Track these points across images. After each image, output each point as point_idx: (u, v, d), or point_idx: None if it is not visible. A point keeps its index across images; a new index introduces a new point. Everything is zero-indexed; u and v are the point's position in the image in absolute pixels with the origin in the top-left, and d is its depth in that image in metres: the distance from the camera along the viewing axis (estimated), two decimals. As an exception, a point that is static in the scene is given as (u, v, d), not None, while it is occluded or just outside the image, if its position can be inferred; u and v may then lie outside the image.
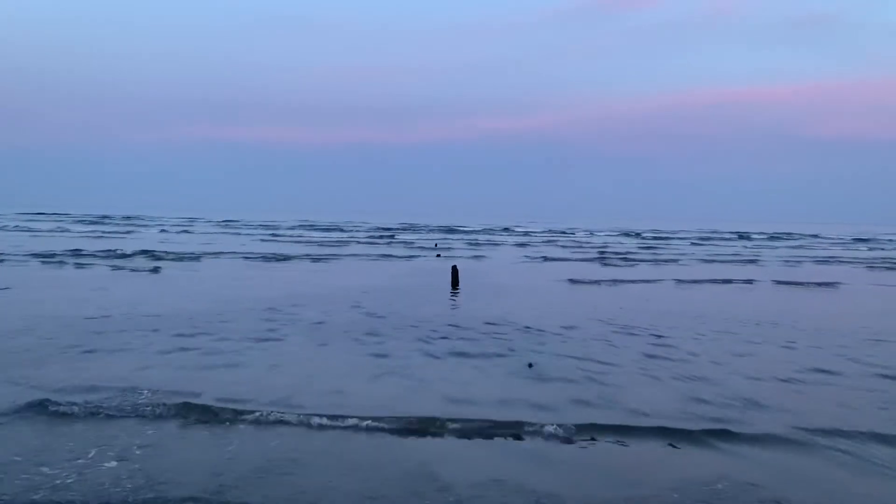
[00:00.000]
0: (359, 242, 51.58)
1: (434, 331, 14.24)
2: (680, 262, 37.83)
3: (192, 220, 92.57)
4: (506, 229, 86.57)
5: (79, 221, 77.64)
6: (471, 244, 52.92)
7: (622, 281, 27.02)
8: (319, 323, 14.97)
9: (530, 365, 10.93)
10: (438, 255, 38.43)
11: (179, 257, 32.41)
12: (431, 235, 66.62)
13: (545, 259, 38.28)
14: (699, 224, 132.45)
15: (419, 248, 46.93)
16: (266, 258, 33.61)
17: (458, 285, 22.80)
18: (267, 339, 12.93)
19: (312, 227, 78.18)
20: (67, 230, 58.44)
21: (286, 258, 34.02)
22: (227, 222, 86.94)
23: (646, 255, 44.49)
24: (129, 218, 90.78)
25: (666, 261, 38.99)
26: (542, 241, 59.68)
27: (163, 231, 62.61)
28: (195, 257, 32.82)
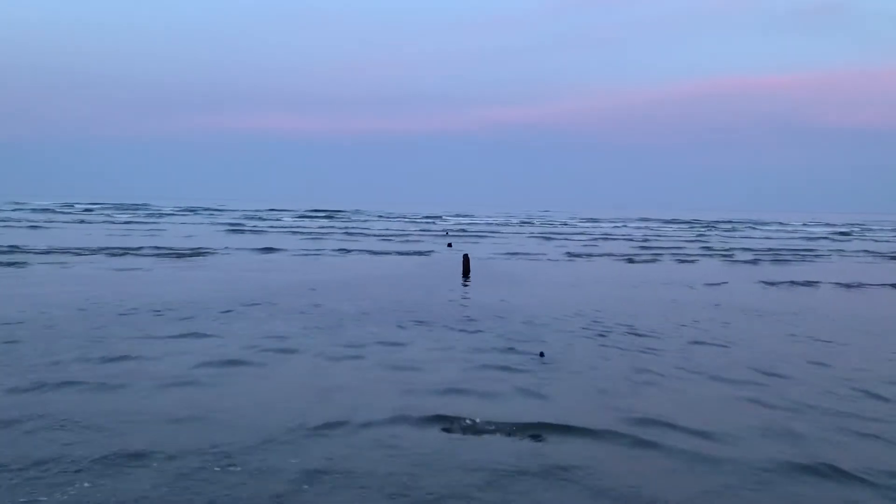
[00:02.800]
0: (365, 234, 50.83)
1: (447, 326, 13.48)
2: (740, 258, 33.69)
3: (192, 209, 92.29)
4: (523, 221, 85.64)
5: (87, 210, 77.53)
6: (483, 234, 52.06)
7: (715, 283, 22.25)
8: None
9: (541, 354, 10.72)
10: (450, 245, 37.85)
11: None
12: (435, 224, 65.84)
13: (570, 255, 34.43)
14: (722, 213, 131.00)
15: (422, 236, 46.19)
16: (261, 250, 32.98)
17: (468, 274, 22.21)
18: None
19: (330, 216, 77.62)
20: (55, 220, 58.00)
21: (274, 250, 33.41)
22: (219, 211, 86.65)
23: (697, 248, 40.55)
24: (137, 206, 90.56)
25: (723, 255, 35.38)
26: (567, 232, 57.42)
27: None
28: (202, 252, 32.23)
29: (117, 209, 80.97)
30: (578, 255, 33.45)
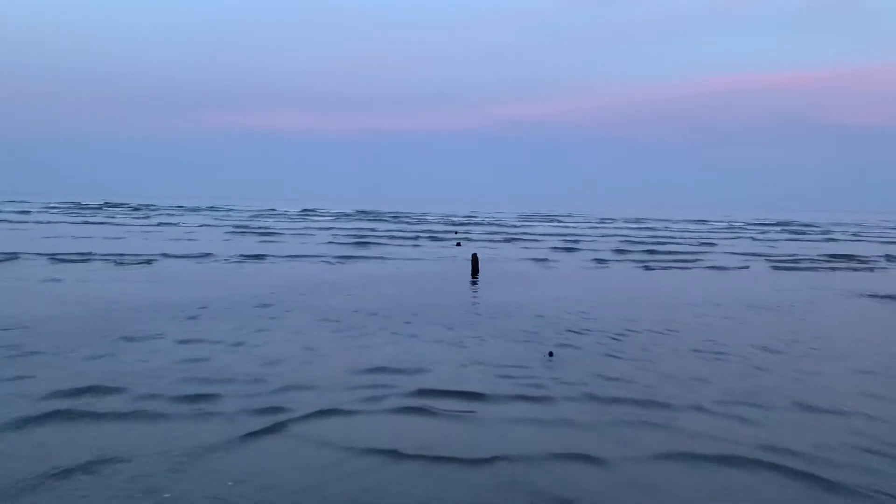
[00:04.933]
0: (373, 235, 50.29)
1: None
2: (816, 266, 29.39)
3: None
4: (537, 218, 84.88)
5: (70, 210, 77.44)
6: (495, 235, 51.37)
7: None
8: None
9: (550, 354, 10.59)
10: (458, 244, 37.54)
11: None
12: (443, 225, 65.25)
13: (599, 261, 31.44)
14: (736, 213, 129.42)
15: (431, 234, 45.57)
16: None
17: (477, 274, 21.82)
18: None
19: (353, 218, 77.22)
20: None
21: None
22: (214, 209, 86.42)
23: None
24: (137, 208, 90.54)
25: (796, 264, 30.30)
26: (588, 233, 56.92)
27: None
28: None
29: (85, 209, 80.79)
30: (605, 261, 29.96)
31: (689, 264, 29.10)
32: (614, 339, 12.00)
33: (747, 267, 28.48)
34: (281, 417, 7.34)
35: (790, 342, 12.22)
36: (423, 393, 8.39)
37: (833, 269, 28.82)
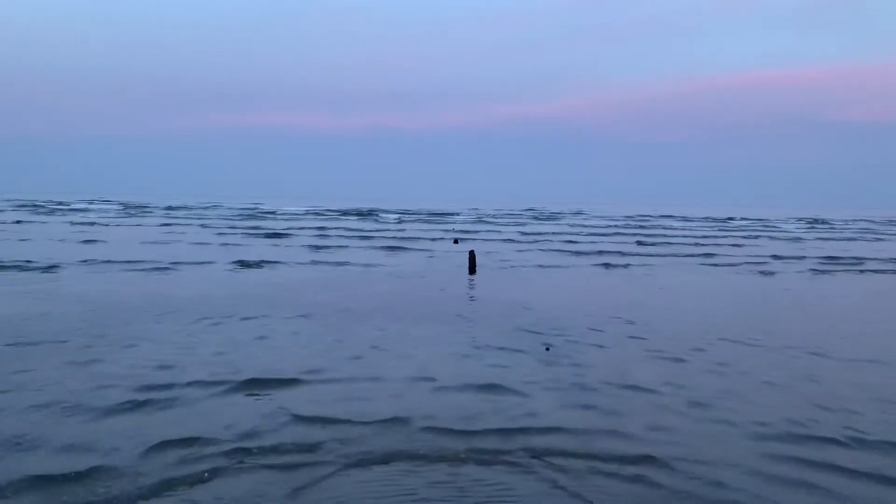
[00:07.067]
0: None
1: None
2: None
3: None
4: (544, 215, 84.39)
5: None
6: (500, 234, 50.96)
7: None
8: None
9: (547, 348, 10.53)
10: (456, 241, 37.27)
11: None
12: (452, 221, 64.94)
13: (607, 265, 29.13)
14: (750, 210, 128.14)
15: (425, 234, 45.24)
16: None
17: (475, 271, 21.69)
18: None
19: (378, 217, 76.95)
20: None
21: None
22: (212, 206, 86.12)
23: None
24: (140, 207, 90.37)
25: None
26: (601, 231, 55.92)
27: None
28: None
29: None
30: (612, 265, 25.97)
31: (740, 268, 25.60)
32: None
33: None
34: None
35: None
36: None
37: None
